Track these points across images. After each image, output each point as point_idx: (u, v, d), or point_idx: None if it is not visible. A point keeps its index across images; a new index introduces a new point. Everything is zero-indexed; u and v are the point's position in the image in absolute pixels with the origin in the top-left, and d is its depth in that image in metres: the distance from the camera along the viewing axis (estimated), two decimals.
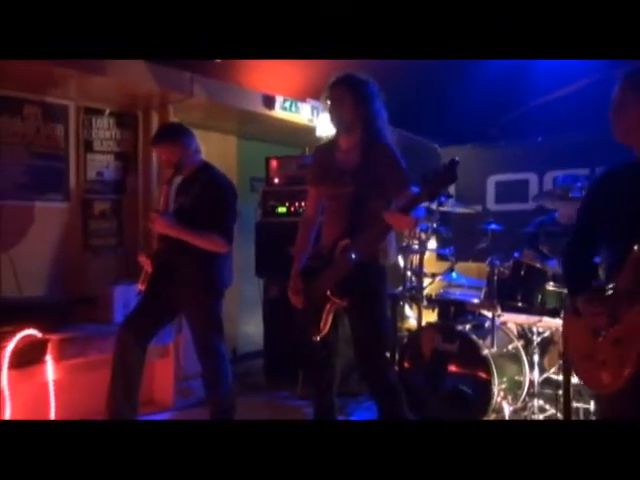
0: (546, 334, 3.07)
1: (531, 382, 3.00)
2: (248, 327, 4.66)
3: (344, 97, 2.24)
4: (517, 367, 3.02)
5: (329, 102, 2.31)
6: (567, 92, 5.09)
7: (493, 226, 3.13)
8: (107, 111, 3.64)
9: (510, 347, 3.00)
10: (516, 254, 2.81)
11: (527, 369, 2.97)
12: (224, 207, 2.58)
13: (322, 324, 2.35)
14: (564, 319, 1.91)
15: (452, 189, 4.53)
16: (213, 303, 2.65)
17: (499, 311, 2.72)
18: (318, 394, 2.45)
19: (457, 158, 1.88)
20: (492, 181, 4.32)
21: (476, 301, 3.24)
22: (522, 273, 2.71)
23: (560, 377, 3.09)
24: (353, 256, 2.18)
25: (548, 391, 3.20)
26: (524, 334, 3.10)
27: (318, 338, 2.37)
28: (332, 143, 2.39)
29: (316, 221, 2.50)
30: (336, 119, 2.29)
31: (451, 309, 3.16)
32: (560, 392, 3.08)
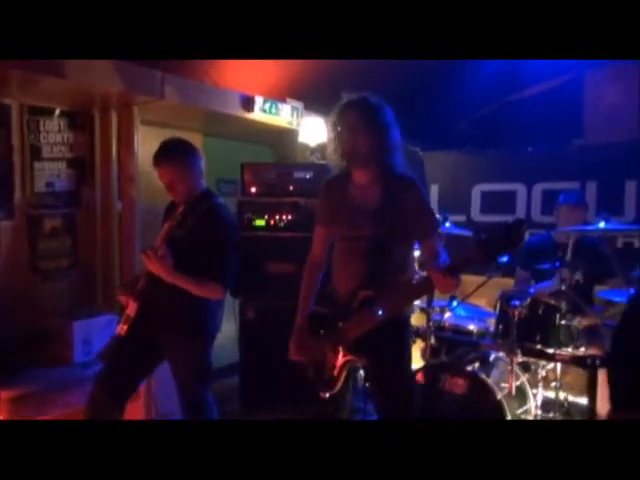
0: (550, 366, 2.94)
1: (535, 417, 2.87)
2: (217, 341, 4.29)
3: (360, 126, 1.91)
4: (518, 401, 2.87)
5: (340, 129, 1.98)
6: (538, 90, 5.03)
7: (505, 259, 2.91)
8: (57, 111, 3.10)
9: (517, 383, 2.82)
10: (531, 290, 2.62)
11: (532, 405, 2.82)
12: (226, 249, 2.23)
13: (334, 382, 2.09)
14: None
15: (435, 199, 4.33)
16: (204, 350, 2.35)
17: (519, 357, 2.54)
18: None
19: (523, 218, 1.63)
20: (478, 190, 4.13)
21: (475, 329, 3.07)
22: (540, 312, 2.53)
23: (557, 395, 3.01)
24: (380, 312, 1.90)
25: (550, 415, 3.10)
26: (528, 366, 2.95)
27: (327, 395, 2.12)
28: (345, 176, 2.06)
29: (324, 264, 2.21)
30: (350, 150, 1.96)
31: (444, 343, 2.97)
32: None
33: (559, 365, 2.93)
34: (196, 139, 4.12)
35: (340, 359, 2.03)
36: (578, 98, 4.61)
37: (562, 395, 3.01)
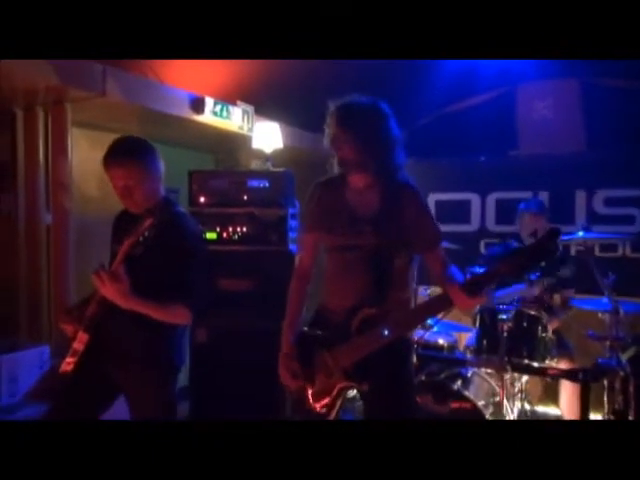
0: (524, 378, 2.87)
1: None
2: None
3: (340, 133, 1.77)
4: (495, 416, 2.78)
5: (330, 137, 1.82)
6: (474, 103, 5.10)
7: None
8: None
9: (496, 399, 2.72)
10: (514, 303, 2.54)
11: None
12: (193, 267, 1.91)
13: (329, 411, 1.87)
14: None
15: None
16: (168, 387, 2.01)
17: (509, 373, 2.43)
18: None
19: (559, 228, 1.49)
20: (432, 199, 4.07)
21: (445, 344, 2.95)
22: (524, 325, 2.44)
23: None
24: (386, 332, 1.71)
25: None
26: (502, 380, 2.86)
27: None
28: (339, 179, 1.89)
29: (312, 275, 2.00)
30: (339, 157, 1.81)
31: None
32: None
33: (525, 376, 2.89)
34: None
35: (337, 386, 1.82)
36: (512, 111, 4.73)
37: (527, 406, 2.97)
